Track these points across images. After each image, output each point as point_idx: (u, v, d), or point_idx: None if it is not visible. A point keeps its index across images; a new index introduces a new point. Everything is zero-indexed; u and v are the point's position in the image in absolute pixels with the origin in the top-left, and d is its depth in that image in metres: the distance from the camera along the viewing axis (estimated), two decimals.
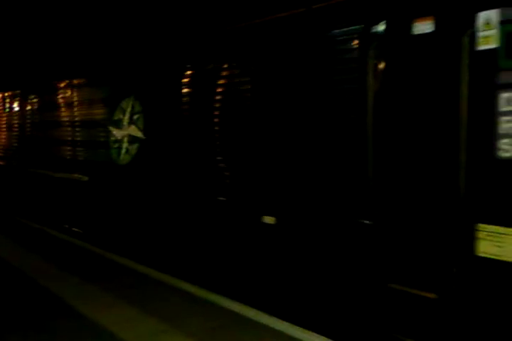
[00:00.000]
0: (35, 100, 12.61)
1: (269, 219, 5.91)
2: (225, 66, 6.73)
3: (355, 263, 5.07)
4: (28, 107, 12.93)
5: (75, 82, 10.75)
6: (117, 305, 6.15)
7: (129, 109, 8.76)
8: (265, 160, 6.06)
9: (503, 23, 3.93)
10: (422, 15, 4.43)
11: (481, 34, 4.04)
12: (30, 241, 10.02)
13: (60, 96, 11.31)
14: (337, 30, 5.22)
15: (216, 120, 6.81)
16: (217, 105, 6.82)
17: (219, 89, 6.80)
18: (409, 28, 4.51)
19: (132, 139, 8.64)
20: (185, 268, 7.40)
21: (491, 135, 3.93)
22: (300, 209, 5.62)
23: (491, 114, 3.93)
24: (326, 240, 5.36)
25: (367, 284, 4.96)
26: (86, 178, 10.06)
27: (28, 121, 12.99)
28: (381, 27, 4.76)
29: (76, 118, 10.66)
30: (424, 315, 4.47)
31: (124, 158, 8.88)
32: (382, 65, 4.75)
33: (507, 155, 3.84)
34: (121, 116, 8.97)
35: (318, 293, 5.49)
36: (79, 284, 7.03)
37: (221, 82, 6.79)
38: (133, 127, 8.62)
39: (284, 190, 5.82)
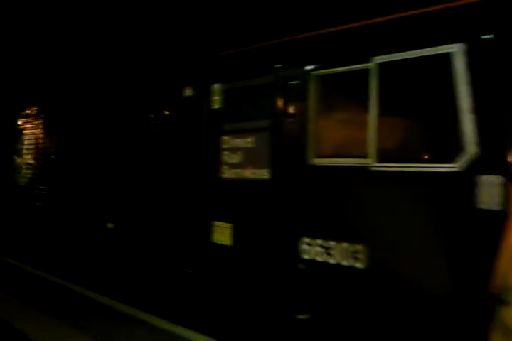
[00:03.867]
0: None
1: (110, 225, 8.04)
2: None
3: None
4: None
5: None
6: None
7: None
8: (104, 186, 8.47)
9: (223, 92, 6.18)
10: (187, 85, 6.67)
11: (213, 98, 6.28)
12: None
13: None
14: None
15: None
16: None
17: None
18: (182, 92, 6.74)
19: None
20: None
21: (217, 162, 6.14)
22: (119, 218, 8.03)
23: (218, 149, 6.15)
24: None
25: (156, 266, 7.30)
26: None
27: None
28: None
29: None
30: (188, 285, 6.64)
31: (22, 180, 11.01)
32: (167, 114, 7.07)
33: (226, 176, 6.07)
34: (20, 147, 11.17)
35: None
36: None
37: None
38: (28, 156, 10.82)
39: (116, 205, 8.10)
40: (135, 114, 7.85)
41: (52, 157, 10.03)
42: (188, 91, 6.61)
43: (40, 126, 10.52)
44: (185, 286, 6.76)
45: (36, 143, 10.59)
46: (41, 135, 10.46)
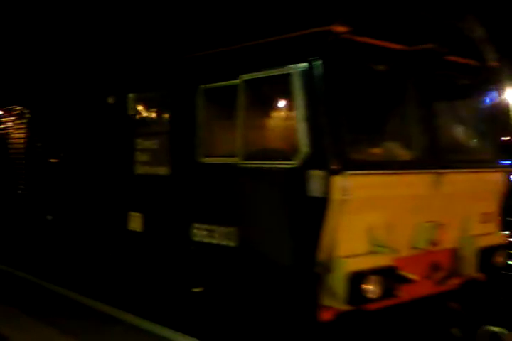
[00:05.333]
0: None
1: (49, 217, 9.04)
2: None
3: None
4: None
5: None
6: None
7: None
8: (45, 182, 9.49)
9: (135, 100, 7.21)
10: (110, 94, 7.71)
11: (128, 106, 7.30)
12: None
13: None
14: None
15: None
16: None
17: None
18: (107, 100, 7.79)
19: None
20: None
21: (132, 161, 7.18)
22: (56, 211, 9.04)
23: (132, 149, 7.18)
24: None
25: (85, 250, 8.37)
26: None
27: None
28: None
29: None
30: (110, 266, 7.79)
31: None
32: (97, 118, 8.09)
33: (138, 172, 7.10)
34: None
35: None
36: None
37: None
38: None
39: (54, 200, 9.12)
40: (74, 117, 8.84)
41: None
42: (111, 99, 7.62)
43: None
44: (109, 267, 7.85)
45: None
46: None
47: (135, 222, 7.19)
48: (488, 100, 6.83)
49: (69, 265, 8.89)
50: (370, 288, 5.08)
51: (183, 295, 6.56)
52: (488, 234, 6.68)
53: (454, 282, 6.44)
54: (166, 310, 6.83)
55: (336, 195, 4.93)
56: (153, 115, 6.95)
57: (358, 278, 5.01)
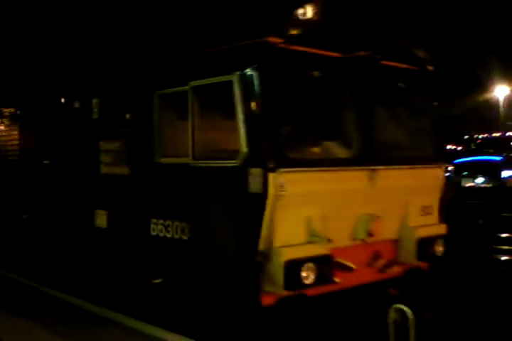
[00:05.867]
0: None
1: (24, 216, 9.50)
2: None
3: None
4: None
5: None
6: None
7: None
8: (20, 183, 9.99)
9: (99, 105, 7.69)
10: (76, 99, 8.17)
11: (93, 110, 7.78)
12: None
13: None
14: None
15: None
16: None
17: None
18: (73, 104, 8.24)
19: None
20: None
21: (98, 162, 7.66)
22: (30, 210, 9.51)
23: (97, 151, 7.66)
24: None
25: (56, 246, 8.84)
26: None
27: None
28: None
29: None
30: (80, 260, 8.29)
31: None
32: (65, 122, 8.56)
33: (103, 172, 7.59)
34: None
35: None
36: None
37: None
38: None
39: (28, 200, 9.61)
40: (47, 120, 9.31)
41: None
42: (77, 104, 8.09)
43: None
44: (80, 262, 8.35)
45: None
46: None
47: (101, 219, 7.68)
48: (425, 102, 7.35)
49: (45, 261, 9.36)
50: (305, 274, 5.60)
51: (145, 286, 7.06)
52: (428, 225, 7.22)
53: (396, 270, 6.97)
54: (131, 301, 7.32)
55: (271, 191, 5.43)
56: (115, 119, 7.43)
57: (293, 265, 5.52)
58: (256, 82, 5.56)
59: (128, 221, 7.19)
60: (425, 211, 7.25)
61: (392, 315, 5.86)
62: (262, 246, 5.59)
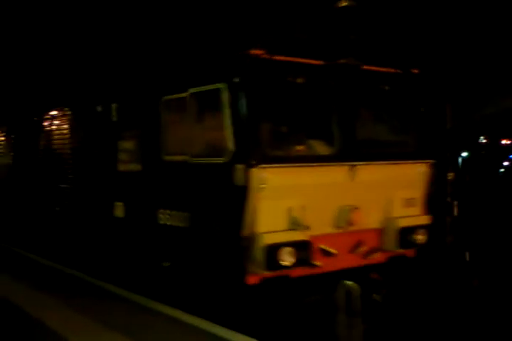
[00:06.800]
0: None
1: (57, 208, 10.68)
2: None
3: None
4: None
5: None
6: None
7: None
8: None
9: (117, 109, 8.67)
10: (99, 103, 9.18)
11: (113, 114, 8.75)
12: None
13: None
14: None
15: None
16: None
17: None
18: (96, 108, 9.25)
19: None
20: None
21: (116, 159, 8.62)
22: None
23: (116, 150, 8.64)
24: None
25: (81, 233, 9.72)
26: None
27: None
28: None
29: None
30: (101, 245, 9.23)
31: None
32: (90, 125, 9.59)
33: (120, 169, 8.55)
34: None
35: None
36: None
37: None
38: None
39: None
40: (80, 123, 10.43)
41: None
42: (99, 108, 9.10)
43: None
44: (99, 246, 9.41)
45: None
46: None
47: (119, 210, 8.66)
48: (409, 103, 7.97)
49: (73, 246, 10.48)
50: (284, 257, 6.38)
51: (157, 269, 7.99)
52: (411, 216, 7.85)
53: (378, 257, 7.64)
54: (145, 281, 8.28)
55: (253, 184, 6.24)
56: (130, 121, 8.39)
57: (273, 249, 6.31)
58: (240, 89, 6.38)
59: (140, 211, 8.15)
60: (408, 203, 7.88)
61: (340, 291, 6.55)
62: (246, 232, 6.41)
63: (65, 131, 10.79)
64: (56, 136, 11.21)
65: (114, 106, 8.76)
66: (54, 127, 11.31)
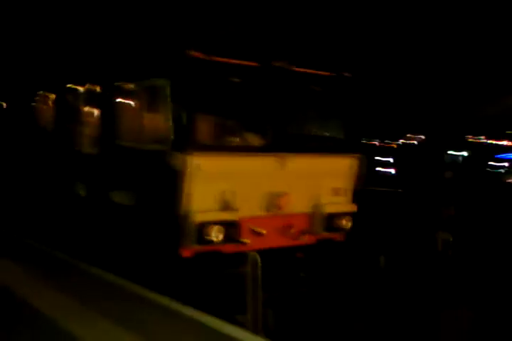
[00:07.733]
0: None
1: None
2: None
3: None
4: None
5: None
6: None
7: None
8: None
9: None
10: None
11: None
12: None
13: None
14: None
15: None
16: None
17: None
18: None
19: None
20: None
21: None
22: None
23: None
24: None
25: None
26: None
27: None
28: None
29: None
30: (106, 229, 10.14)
31: None
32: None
33: (84, 151, 9.43)
34: None
35: None
36: None
37: None
38: None
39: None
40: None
41: None
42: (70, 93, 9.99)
43: None
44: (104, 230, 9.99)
45: None
46: None
47: (81, 190, 9.57)
48: (339, 103, 8.89)
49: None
50: (214, 234, 7.33)
51: (112, 242, 8.88)
52: (338, 203, 8.81)
53: (306, 239, 8.59)
54: (103, 253, 9.18)
55: (188, 169, 7.17)
56: (94, 106, 9.27)
57: (203, 226, 7.26)
58: (180, 86, 7.30)
59: (98, 191, 9.05)
60: (336, 192, 8.84)
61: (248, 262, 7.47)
62: (181, 211, 7.35)
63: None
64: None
65: (80, 90, 9.61)
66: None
